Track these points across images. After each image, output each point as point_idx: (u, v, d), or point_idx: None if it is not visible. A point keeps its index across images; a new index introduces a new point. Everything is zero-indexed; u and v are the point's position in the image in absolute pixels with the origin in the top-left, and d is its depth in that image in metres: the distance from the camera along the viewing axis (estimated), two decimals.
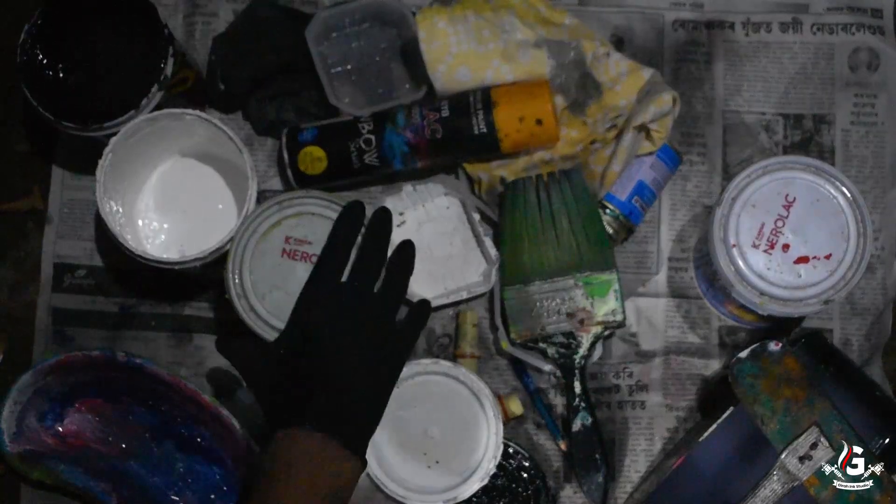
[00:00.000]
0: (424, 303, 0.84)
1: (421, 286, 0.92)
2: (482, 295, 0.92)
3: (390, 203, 0.92)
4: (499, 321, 0.91)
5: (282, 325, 0.80)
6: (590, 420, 0.89)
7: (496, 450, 0.88)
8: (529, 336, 0.89)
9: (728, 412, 0.83)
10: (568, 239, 0.89)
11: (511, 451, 0.90)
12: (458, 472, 0.88)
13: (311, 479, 0.70)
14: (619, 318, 0.88)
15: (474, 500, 0.90)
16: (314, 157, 0.90)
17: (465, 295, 0.91)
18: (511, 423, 0.92)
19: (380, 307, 0.79)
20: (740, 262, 0.84)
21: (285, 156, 0.91)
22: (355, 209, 0.81)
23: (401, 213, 0.94)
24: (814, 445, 0.80)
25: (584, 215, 0.89)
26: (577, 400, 0.89)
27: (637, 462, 0.93)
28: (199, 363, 0.94)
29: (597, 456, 0.88)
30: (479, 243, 0.92)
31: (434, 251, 0.94)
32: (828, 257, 0.84)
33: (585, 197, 0.89)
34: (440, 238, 0.94)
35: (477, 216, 0.92)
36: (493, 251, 0.91)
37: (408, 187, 0.92)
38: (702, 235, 0.93)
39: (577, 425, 0.88)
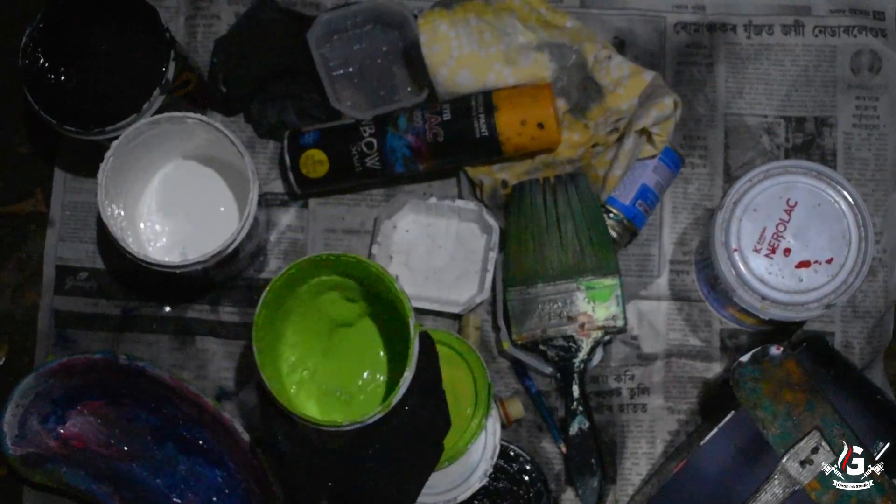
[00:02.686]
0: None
1: (406, 283, 0.93)
2: (451, 314, 0.93)
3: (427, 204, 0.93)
4: (501, 322, 0.91)
5: None
6: (587, 424, 0.89)
7: (494, 450, 0.88)
8: (530, 338, 0.89)
9: (729, 416, 0.83)
10: (572, 242, 0.89)
11: (512, 454, 0.91)
12: (458, 473, 0.88)
13: None
14: (619, 323, 0.88)
15: (476, 502, 0.90)
16: (316, 161, 0.90)
17: (436, 307, 0.92)
18: (512, 426, 0.93)
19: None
20: (742, 267, 0.84)
21: (287, 159, 0.91)
22: None
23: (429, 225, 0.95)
24: (815, 450, 0.80)
25: (588, 220, 0.89)
26: (574, 404, 0.89)
27: (638, 465, 0.93)
28: (201, 366, 0.94)
29: (592, 460, 0.88)
30: (482, 271, 0.93)
31: (432, 257, 0.94)
32: (829, 261, 0.84)
33: (591, 201, 0.89)
34: (444, 251, 0.94)
35: (493, 254, 0.92)
36: (487, 284, 0.91)
37: (448, 202, 0.93)
38: (703, 239, 0.93)
39: (574, 429, 0.89)
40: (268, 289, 0.80)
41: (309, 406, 0.86)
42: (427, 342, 0.82)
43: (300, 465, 0.78)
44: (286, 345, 0.86)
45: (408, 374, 0.78)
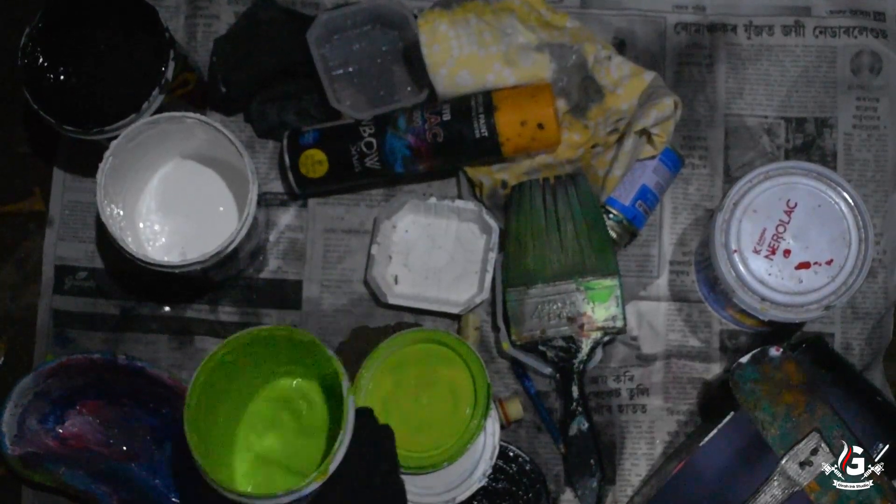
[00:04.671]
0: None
1: (405, 284, 0.93)
2: (451, 315, 0.93)
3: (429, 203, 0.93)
4: (500, 322, 0.91)
5: None
6: (586, 425, 0.89)
7: (493, 451, 0.88)
8: (530, 338, 0.89)
9: (729, 417, 0.82)
10: (572, 243, 0.89)
11: (511, 454, 0.90)
12: (457, 473, 0.88)
13: None
14: (619, 324, 0.88)
15: (475, 503, 0.90)
16: (315, 161, 0.90)
17: (435, 307, 0.92)
18: (512, 427, 0.92)
19: None
20: (741, 268, 0.84)
21: (286, 159, 0.91)
22: None
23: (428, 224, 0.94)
24: (814, 451, 0.80)
25: (588, 221, 0.89)
26: (574, 404, 0.89)
27: (638, 466, 0.93)
28: None
29: (591, 461, 0.88)
30: (482, 272, 0.92)
31: (432, 258, 0.94)
32: (829, 263, 0.84)
33: (591, 203, 0.89)
34: (443, 251, 0.94)
35: (493, 255, 0.92)
36: (487, 285, 0.91)
37: (448, 202, 0.93)
38: (703, 239, 0.93)
39: (573, 430, 0.89)
40: (198, 372, 0.74)
41: (257, 480, 0.81)
42: (371, 424, 0.77)
43: None
44: (231, 420, 0.81)
45: (342, 438, 0.72)
